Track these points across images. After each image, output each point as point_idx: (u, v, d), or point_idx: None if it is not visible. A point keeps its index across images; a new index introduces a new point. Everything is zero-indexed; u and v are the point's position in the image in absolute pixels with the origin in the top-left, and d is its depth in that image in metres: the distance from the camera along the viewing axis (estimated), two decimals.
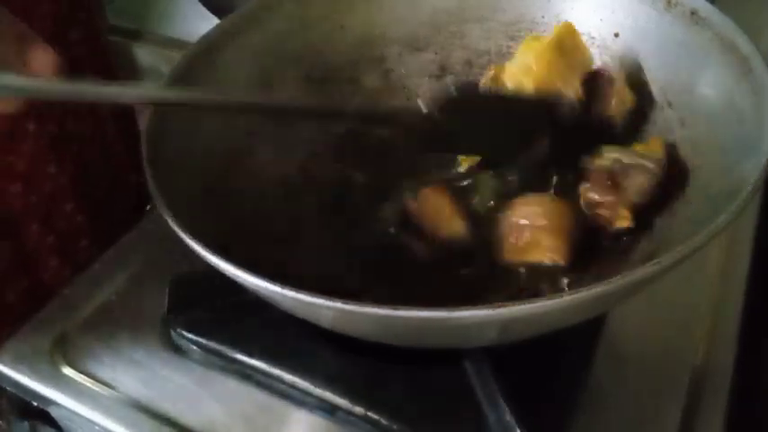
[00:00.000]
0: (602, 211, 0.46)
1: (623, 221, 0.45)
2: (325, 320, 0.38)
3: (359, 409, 0.44)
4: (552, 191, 0.48)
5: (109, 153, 0.77)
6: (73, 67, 0.68)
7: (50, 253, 0.69)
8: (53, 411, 0.49)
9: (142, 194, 0.78)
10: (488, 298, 0.46)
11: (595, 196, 0.46)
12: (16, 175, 0.64)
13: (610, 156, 0.47)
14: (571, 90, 0.50)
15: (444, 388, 0.45)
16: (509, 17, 0.57)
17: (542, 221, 0.45)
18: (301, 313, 0.38)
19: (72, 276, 0.71)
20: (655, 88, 0.50)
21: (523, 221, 0.45)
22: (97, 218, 0.73)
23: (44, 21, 0.63)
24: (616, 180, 0.46)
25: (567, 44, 0.50)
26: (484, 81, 0.53)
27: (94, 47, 0.72)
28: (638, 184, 0.46)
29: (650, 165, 0.46)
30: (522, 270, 0.46)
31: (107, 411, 0.46)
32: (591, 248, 0.49)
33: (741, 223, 0.54)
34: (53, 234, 0.69)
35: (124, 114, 0.80)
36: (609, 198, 0.46)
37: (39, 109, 0.64)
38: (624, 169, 0.46)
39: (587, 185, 0.47)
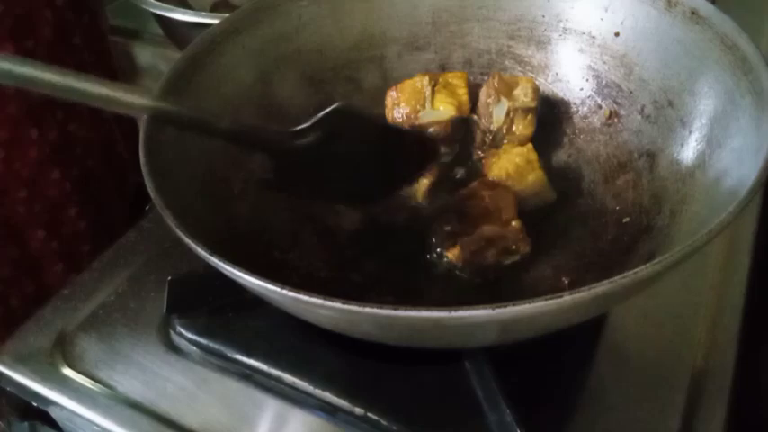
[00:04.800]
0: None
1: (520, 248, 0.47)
2: (325, 320, 0.38)
3: (359, 410, 0.44)
4: None
5: (112, 156, 0.77)
6: (77, 70, 0.68)
7: (54, 258, 0.69)
8: (53, 411, 0.49)
9: (141, 194, 0.78)
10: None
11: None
12: (21, 181, 0.64)
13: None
14: None
15: (444, 388, 0.45)
16: (509, 16, 0.57)
17: None
18: (301, 313, 0.38)
19: None
20: (655, 88, 0.50)
21: None
22: (98, 222, 0.73)
23: (45, 27, 0.63)
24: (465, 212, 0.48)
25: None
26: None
27: (97, 50, 0.72)
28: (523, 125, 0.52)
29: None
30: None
31: (107, 411, 0.46)
32: (590, 248, 0.49)
33: (741, 223, 0.54)
34: (57, 240, 0.69)
35: (127, 117, 0.80)
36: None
37: (39, 115, 0.64)
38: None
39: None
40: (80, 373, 0.48)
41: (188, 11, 0.76)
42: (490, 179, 0.51)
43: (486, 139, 0.55)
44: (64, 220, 0.69)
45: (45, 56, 0.64)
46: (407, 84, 0.54)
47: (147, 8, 0.77)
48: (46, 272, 0.70)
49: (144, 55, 1.14)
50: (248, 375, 0.47)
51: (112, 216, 0.77)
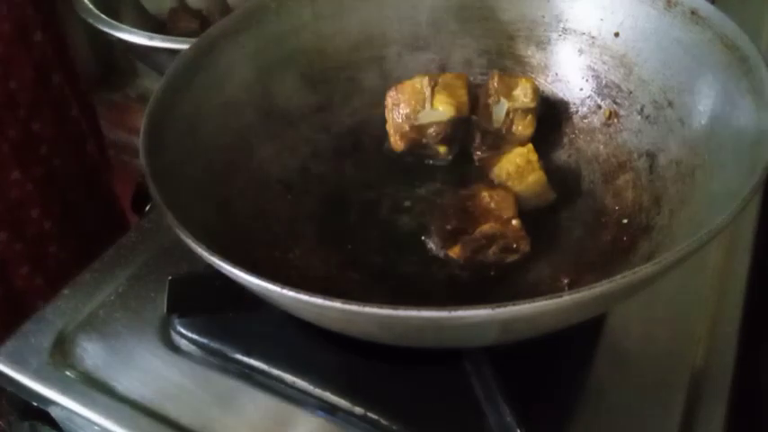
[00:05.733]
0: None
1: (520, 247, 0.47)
2: (325, 320, 0.38)
3: (359, 409, 0.44)
4: None
5: (81, 155, 0.75)
6: (38, 68, 0.67)
7: (21, 260, 0.68)
8: (53, 411, 0.49)
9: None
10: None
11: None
12: None
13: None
14: None
15: (444, 388, 0.45)
16: (509, 16, 0.57)
17: None
18: (301, 313, 0.38)
19: (44, 283, 0.70)
20: (655, 88, 0.50)
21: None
22: (65, 223, 0.72)
23: (3, 23, 0.62)
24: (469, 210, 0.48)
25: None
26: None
27: (57, 46, 0.71)
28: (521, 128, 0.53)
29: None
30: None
31: (107, 411, 0.46)
32: (590, 248, 0.49)
33: (741, 223, 0.54)
34: (21, 241, 0.68)
35: (92, 113, 0.79)
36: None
37: None
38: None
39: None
40: (80, 372, 0.48)
41: (131, 31, 0.69)
42: (490, 179, 0.51)
43: (487, 140, 0.55)
44: (27, 221, 0.68)
45: (5, 53, 0.63)
46: (407, 84, 0.54)
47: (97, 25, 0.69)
48: (12, 274, 0.68)
49: None
50: (248, 375, 0.47)
51: (81, 216, 0.75)
